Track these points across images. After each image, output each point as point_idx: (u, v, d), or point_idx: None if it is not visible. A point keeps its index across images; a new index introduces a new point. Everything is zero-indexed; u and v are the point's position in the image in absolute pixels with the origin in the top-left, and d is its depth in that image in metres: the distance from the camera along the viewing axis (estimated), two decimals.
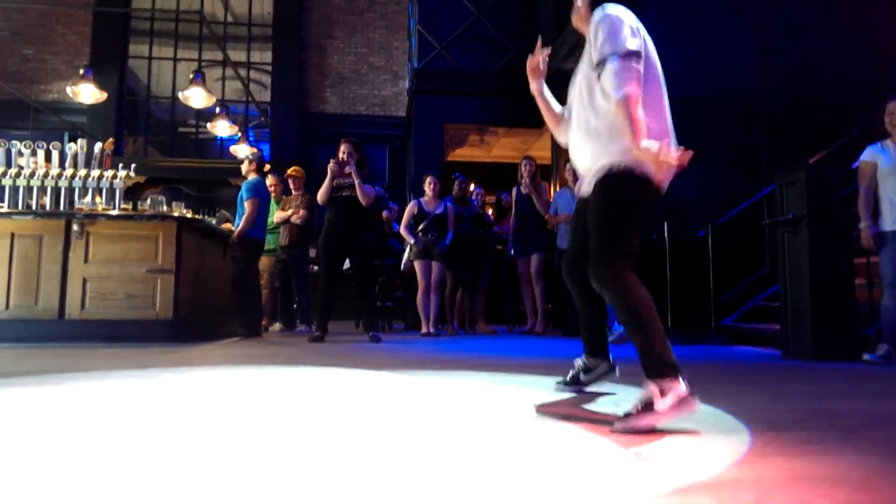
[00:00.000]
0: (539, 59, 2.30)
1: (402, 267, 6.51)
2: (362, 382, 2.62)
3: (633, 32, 1.96)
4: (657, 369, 1.76)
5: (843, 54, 6.12)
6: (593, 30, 2.01)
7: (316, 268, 6.55)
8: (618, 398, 2.21)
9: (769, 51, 6.13)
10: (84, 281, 4.75)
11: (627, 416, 1.71)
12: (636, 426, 1.66)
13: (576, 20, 2.20)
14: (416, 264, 6.22)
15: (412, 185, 9.70)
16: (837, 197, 4.08)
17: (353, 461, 1.33)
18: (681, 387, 1.71)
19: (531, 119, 9.51)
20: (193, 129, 11.84)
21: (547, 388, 2.43)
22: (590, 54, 2.03)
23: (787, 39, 6.14)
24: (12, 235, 4.72)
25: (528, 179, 6.47)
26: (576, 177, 6.23)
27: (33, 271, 4.71)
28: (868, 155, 3.89)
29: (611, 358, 2.36)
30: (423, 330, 6.18)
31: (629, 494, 1.10)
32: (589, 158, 2.07)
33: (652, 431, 1.64)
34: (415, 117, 9.79)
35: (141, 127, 11.99)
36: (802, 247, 4.11)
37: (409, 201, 6.73)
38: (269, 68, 11.76)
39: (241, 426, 1.71)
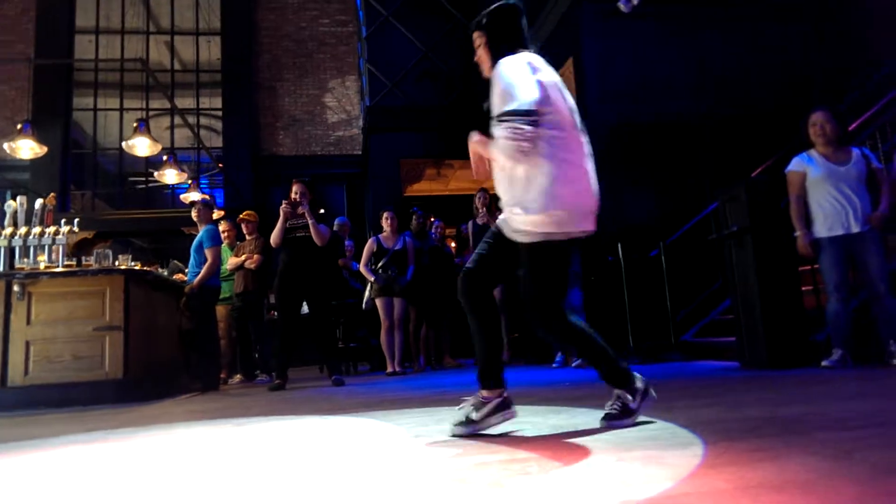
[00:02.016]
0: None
1: (363, 306, 6.44)
2: (317, 430, 2.55)
3: (532, 84, 1.94)
4: (620, 379, 2.07)
5: (772, 71, 6.42)
6: (494, 81, 2.01)
7: (275, 314, 6.42)
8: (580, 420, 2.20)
9: (705, 72, 6.39)
10: (27, 344, 4.53)
11: (610, 416, 2.03)
12: (622, 425, 2.00)
13: (481, 65, 2.18)
14: (378, 302, 6.16)
15: (371, 222, 9.69)
16: (778, 208, 4.22)
17: None
18: (638, 382, 2.08)
19: None
20: (143, 180, 11.64)
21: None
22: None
23: (720, 60, 6.41)
24: None
25: (483, 210, 6.51)
26: None
27: None
28: (796, 165, 4.03)
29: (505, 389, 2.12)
30: (389, 369, 6.09)
31: None
32: (508, 198, 2.06)
33: (614, 444, 1.62)
34: (370, 155, 9.84)
35: (89, 180, 11.75)
36: (749, 259, 4.22)
37: (369, 238, 6.69)
38: (220, 113, 11.71)
39: (184, 491, 1.64)
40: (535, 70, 1.99)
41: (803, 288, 4.31)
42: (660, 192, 6.09)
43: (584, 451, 1.66)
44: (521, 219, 2.00)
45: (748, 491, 1.16)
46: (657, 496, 1.17)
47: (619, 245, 5.61)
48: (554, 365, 5.52)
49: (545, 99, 1.96)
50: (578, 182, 2.03)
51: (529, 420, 2.31)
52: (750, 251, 4.20)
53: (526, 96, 1.89)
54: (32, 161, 9.65)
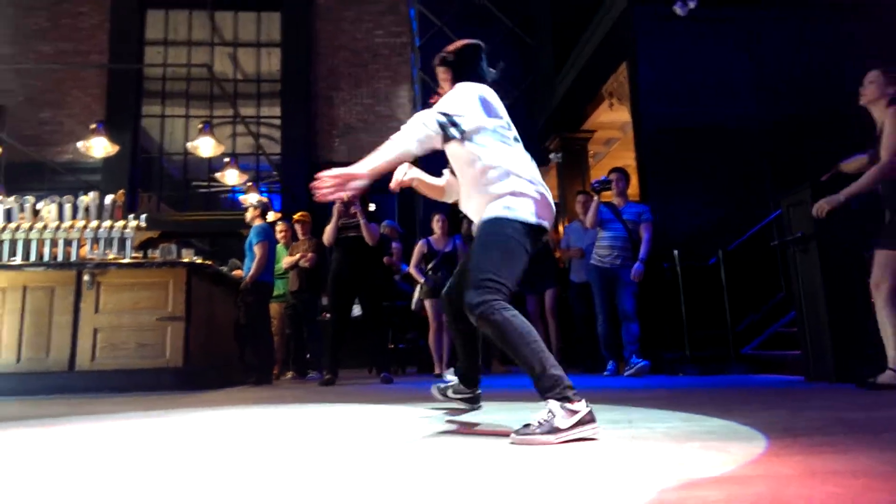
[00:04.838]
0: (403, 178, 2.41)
1: (412, 306, 6.48)
2: (359, 415, 2.58)
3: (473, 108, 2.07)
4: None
5: (833, 71, 6.15)
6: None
7: (328, 315, 6.50)
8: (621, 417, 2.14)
9: (763, 74, 6.19)
10: (95, 331, 4.75)
11: (527, 427, 1.70)
12: (534, 441, 1.65)
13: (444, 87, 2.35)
14: (427, 303, 6.18)
15: (421, 226, 9.76)
16: (845, 212, 4.03)
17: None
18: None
19: (536, 158, 9.66)
20: (205, 185, 12.08)
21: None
22: None
23: (778, 61, 6.20)
24: (24, 288, 4.76)
25: None
26: (585, 209, 6.27)
27: (45, 323, 4.73)
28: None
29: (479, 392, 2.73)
30: (437, 370, 6.08)
31: (632, 488, 1.04)
32: (474, 209, 2.18)
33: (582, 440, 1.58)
34: (421, 161, 9.93)
35: (155, 185, 12.26)
36: (814, 266, 4.04)
37: (419, 241, 6.73)
38: (279, 122, 12.06)
39: (240, 458, 1.68)
40: (484, 102, 2.11)
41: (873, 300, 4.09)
42: (719, 197, 5.90)
43: (642, 440, 1.62)
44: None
45: (816, 476, 1.11)
46: (720, 476, 1.13)
47: (675, 252, 5.46)
48: (605, 373, 5.41)
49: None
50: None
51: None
52: (815, 258, 4.02)
53: (458, 110, 2.03)
54: (104, 164, 10.16)
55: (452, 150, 2.17)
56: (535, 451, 1.52)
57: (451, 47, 2.34)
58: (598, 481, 1.15)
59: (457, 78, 2.25)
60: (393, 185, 2.43)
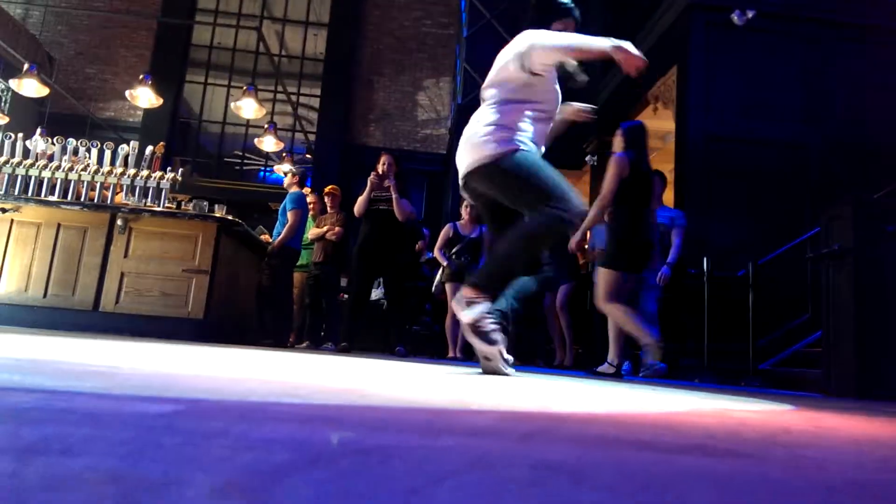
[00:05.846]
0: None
1: (433, 289, 6.49)
2: (373, 362, 2.60)
3: None
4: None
5: (890, 106, 6.03)
6: None
7: (346, 296, 6.51)
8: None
9: (817, 97, 6.08)
10: (122, 275, 4.84)
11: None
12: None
13: None
14: (448, 287, 6.18)
15: (449, 215, 9.77)
16: (886, 230, 3.95)
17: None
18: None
19: (570, 160, 9.59)
20: (239, 160, 12.25)
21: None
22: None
23: (834, 86, 6.09)
24: (58, 226, 4.86)
25: None
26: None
27: (74, 262, 4.83)
28: None
29: None
30: (450, 354, 6.09)
31: (669, 407, 1.04)
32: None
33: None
34: (455, 153, 9.94)
35: (190, 152, 12.46)
36: (847, 282, 3.96)
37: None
38: (317, 103, 12.17)
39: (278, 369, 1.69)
40: None
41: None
42: (756, 211, 5.82)
43: (670, 395, 1.61)
44: None
45: (845, 418, 1.09)
46: (752, 409, 1.12)
47: (705, 259, 5.39)
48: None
49: None
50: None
51: (599, 384, 2.25)
52: (850, 273, 3.94)
53: None
54: (143, 124, 10.38)
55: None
56: (566, 386, 1.52)
57: None
58: (635, 404, 1.15)
59: None
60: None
